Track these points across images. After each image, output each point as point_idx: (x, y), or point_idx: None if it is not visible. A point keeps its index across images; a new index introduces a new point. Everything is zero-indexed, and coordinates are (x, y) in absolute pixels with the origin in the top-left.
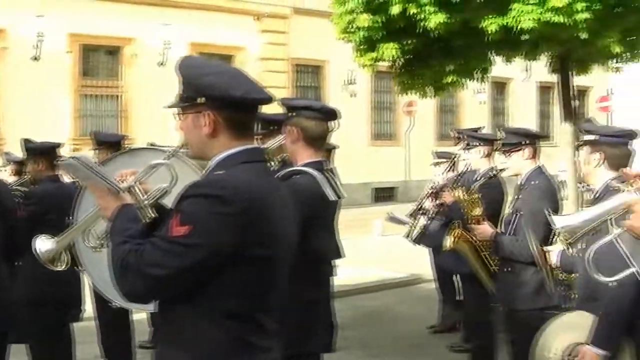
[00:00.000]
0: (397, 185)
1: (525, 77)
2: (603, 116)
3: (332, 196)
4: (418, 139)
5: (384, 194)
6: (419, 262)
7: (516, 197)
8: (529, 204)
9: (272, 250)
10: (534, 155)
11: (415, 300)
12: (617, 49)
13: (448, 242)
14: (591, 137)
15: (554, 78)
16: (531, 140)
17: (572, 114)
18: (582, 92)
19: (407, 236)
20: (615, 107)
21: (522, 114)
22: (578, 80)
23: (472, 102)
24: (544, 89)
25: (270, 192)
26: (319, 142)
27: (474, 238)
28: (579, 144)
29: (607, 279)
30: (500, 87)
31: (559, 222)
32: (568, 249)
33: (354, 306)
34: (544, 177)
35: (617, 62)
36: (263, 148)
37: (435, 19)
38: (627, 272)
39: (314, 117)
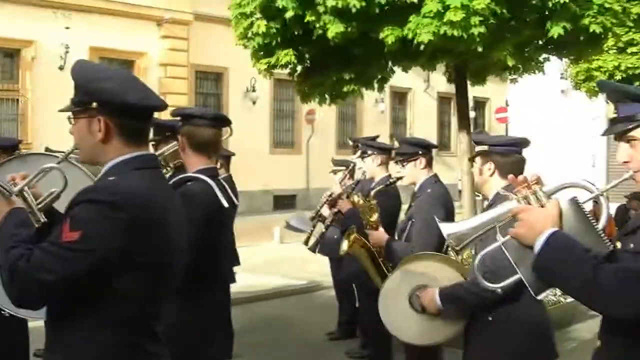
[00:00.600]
0: (297, 193)
1: (426, 88)
2: (501, 127)
3: (225, 203)
4: (318, 147)
5: (284, 202)
6: (318, 270)
7: (411, 205)
8: (423, 212)
9: (163, 257)
10: (429, 164)
11: (314, 307)
12: (511, 62)
13: (344, 246)
14: (482, 148)
15: (453, 89)
16: (426, 150)
17: (468, 124)
18: (481, 104)
19: (306, 244)
20: (512, 118)
21: (422, 123)
22: (477, 92)
23: (373, 112)
24: (444, 100)
25: (163, 198)
26: (210, 149)
27: (369, 244)
28: (473, 156)
29: (493, 286)
30: (400, 97)
31: (446, 229)
32: (456, 255)
33: (252, 313)
34: (438, 186)
35: (511, 74)
36: (156, 154)
37: (333, 29)
38: (512, 279)
39: (203, 125)
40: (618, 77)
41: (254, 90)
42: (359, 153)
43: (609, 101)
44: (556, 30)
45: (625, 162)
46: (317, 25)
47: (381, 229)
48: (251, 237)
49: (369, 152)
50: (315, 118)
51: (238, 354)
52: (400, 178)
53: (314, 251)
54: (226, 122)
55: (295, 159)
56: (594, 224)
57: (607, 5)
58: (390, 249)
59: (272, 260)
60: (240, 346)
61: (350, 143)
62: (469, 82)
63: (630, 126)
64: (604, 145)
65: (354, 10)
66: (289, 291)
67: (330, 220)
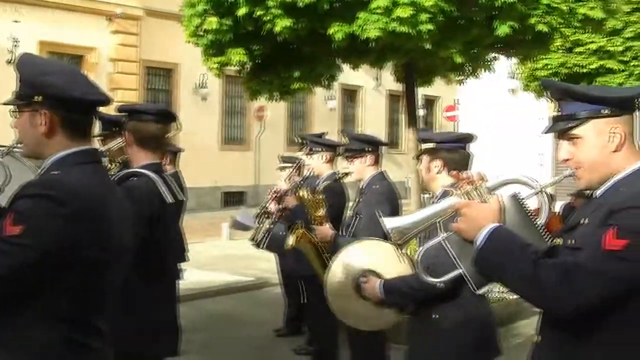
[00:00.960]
0: (246, 190)
1: (376, 86)
2: (451, 125)
3: (169, 198)
4: (268, 144)
5: (233, 198)
6: (266, 266)
7: (357, 200)
8: (369, 208)
9: (107, 253)
10: (377, 161)
11: (262, 303)
12: (459, 60)
13: (290, 240)
14: (429, 145)
15: (403, 87)
16: (374, 147)
17: (416, 122)
18: (431, 102)
19: (252, 240)
20: (461, 116)
21: (372, 121)
22: (427, 90)
23: (323, 109)
24: (394, 98)
25: (106, 193)
26: (154, 144)
27: (315, 239)
28: (418, 154)
29: (435, 280)
30: (351, 94)
31: (388, 223)
32: (398, 249)
33: (200, 309)
34: (385, 183)
35: (459, 75)
36: (99, 149)
37: (281, 23)
38: (454, 273)
39: (147, 120)
40: (564, 73)
41: (204, 87)
42: (306, 150)
43: (551, 99)
44: (503, 29)
45: (566, 159)
46: (266, 19)
47: (327, 224)
48: (200, 234)
49: (316, 148)
50: (265, 115)
51: (185, 350)
52: (347, 174)
53: (259, 247)
54: (171, 117)
55: (245, 156)
56: (535, 219)
57: (553, 5)
58: (336, 244)
59: (221, 256)
60: (187, 343)
61: (298, 140)
62: (416, 83)
63: (572, 124)
64: (551, 144)
65: (301, 4)
66: (237, 288)
67: (276, 216)
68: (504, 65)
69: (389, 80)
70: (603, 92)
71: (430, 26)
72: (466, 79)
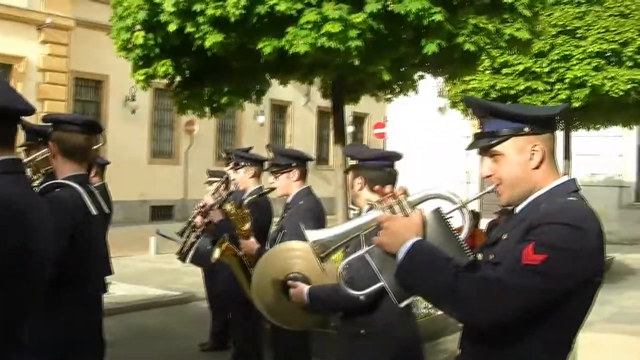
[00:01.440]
0: (174, 204)
1: (306, 102)
2: (379, 142)
3: (94, 210)
4: (197, 158)
5: (161, 212)
6: (193, 281)
7: (282, 215)
8: (294, 223)
9: (27, 263)
10: (303, 176)
11: (188, 318)
12: (386, 77)
13: (215, 254)
14: (353, 162)
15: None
16: (300, 162)
17: (344, 138)
18: (360, 119)
19: (179, 255)
20: (390, 133)
21: (302, 137)
22: (356, 107)
23: (253, 124)
24: (323, 114)
25: (29, 204)
26: (80, 156)
27: (240, 252)
28: (346, 170)
29: (356, 293)
30: (280, 110)
31: (311, 235)
32: (321, 262)
33: (126, 324)
34: (311, 198)
35: (387, 93)
36: (22, 159)
37: (211, 39)
38: (376, 286)
39: (73, 131)
40: (493, 95)
41: (133, 99)
42: (232, 164)
43: (474, 116)
44: (430, 48)
45: (487, 176)
46: (197, 35)
47: (252, 239)
48: (127, 248)
49: (242, 163)
50: (194, 129)
51: None
52: (273, 189)
53: (184, 261)
54: (97, 128)
55: (174, 170)
56: (457, 234)
57: (481, 26)
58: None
59: (148, 270)
60: (113, 357)
61: (224, 155)
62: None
63: (494, 141)
64: (478, 161)
65: (232, 19)
66: (164, 302)
67: (201, 230)
68: (432, 83)
69: (318, 96)
70: (524, 110)
71: (358, 42)
72: (394, 97)
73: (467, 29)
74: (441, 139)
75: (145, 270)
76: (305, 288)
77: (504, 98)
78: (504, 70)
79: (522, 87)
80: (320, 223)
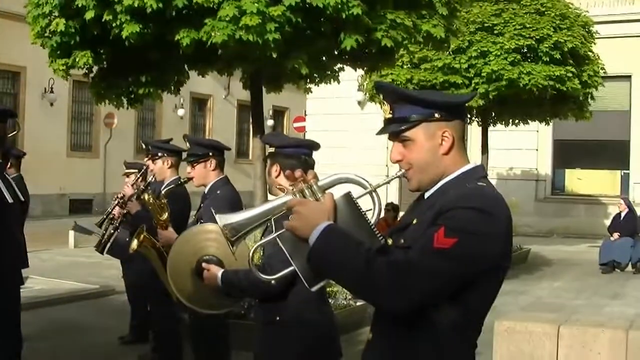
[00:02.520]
0: (93, 197)
1: (226, 95)
2: (300, 136)
3: (10, 198)
4: (117, 151)
5: (80, 206)
6: (112, 274)
7: (200, 205)
8: (210, 213)
9: None
10: (220, 166)
11: (107, 311)
12: (304, 71)
13: (133, 244)
14: (270, 150)
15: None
16: (217, 151)
17: (263, 130)
18: (280, 112)
19: (97, 247)
20: (310, 126)
21: (221, 130)
22: (276, 101)
23: (172, 117)
24: (243, 107)
25: None
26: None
27: (158, 243)
28: (264, 158)
29: (267, 277)
30: (200, 103)
31: (222, 220)
32: (232, 247)
33: (45, 317)
34: (228, 188)
35: (307, 83)
36: None
37: (129, 28)
38: (286, 270)
39: None
40: (410, 89)
41: (52, 92)
42: (149, 155)
43: (385, 102)
44: (349, 42)
45: (397, 160)
46: (114, 24)
47: (171, 229)
48: (46, 242)
49: (159, 154)
50: (114, 122)
51: (29, 358)
52: (190, 179)
53: (102, 252)
54: (9, 114)
55: (93, 163)
56: (367, 218)
57: (398, 21)
58: None
59: (67, 264)
60: (32, 351)
61: (144, 146)
62: (265, 90)
63: (404, 127)
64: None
65: (149, 10)
66: (83, 295)
67: (119, 222)
68: (352, 77)
69: (238, 89)
70: (435, 97)
71: (276, 35)
72: (314, 85)
73: (385, 23)
74: (361, 131)
75: (64, 264)
76: (219, 272)
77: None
78: (423, 66)
79: (440, 81)
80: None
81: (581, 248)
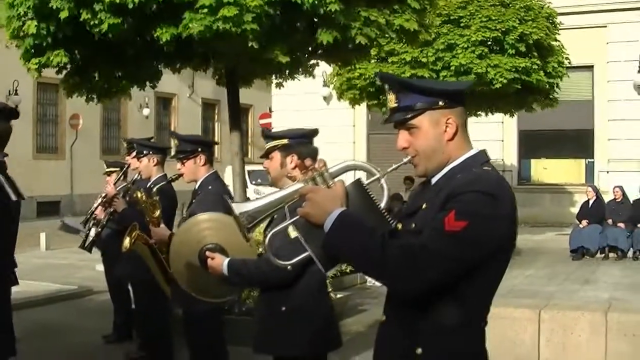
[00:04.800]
0: (61, 199)
1: (190, 94)
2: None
3: (14, 196)
4: (83, 152)
5: (47, 208)
6: (87, 275)
7: (191, 201)
8: (204, 208)
9: None
10: (209, 161)
11: (87, 311)
12: (283, 60)
13: (126, 242)
14: (282, 142)
15: (218, 95)
16: (206, 147)
17: (240, 126)
18: (244, 110)
19: (83, 246)
20: (276, 123)
21: (187, 129)
22: (240, 98)
23: (137, 117)
24: (208, 106)
25: None
26: (1, 143)
27: (150, 240)
28: (266, 152)
29: (284, 263)
30: (165, 102)
31: (237, 208)
32: (247, 233)
33: (25, 320)
34: (219, 183)
35: (281, 77)
36: None
37: (109, 22)
38: (302, 255)
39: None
40: (379, 83)
41: (16, 94)
42: (134, 153)
43: (390, 92)
44: (326, 37)
45: (404, 147)
46: (93, 22)
47: (163, 225)
48: (17, 244)
49: (145, 151)
50: (79, 123)
51: None
52: (180, 175)
53: (90, 251)
54: (16, 115)
55: (59, 165)
56: (378, 204)
57: (372, 18)
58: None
59: (40, 266)
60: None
61: (125, 144)
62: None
63: (410, 115)
64: (363, 151)
65: (130, 6)
66: (61, 297)
67: (105, 220)
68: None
69: (203, 88)
70: (438, 85)
71: (254, 26)
72: (287, 80)
73: (359, 21)
74: (327, 128)
75: (38, 266)
76: (225, 260)
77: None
78: (391, 59)
79: (408, 75)
80: (228, 207)
81: (549, 236)
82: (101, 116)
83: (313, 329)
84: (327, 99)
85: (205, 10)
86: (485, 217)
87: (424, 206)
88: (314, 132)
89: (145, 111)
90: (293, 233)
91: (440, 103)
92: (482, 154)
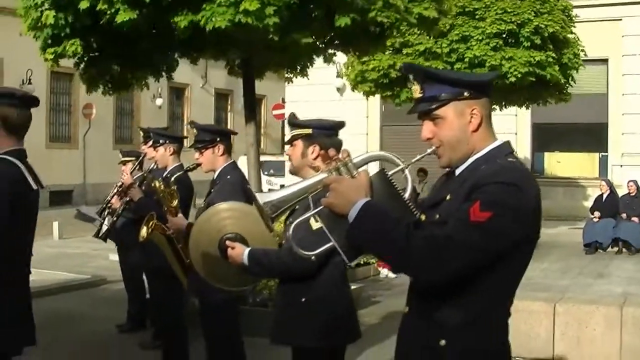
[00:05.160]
0: (73, 189)
1: (203, 84)
2: (279, 123)
3: (34, 185)
4: (96, 142)
5: (60, 198)
6: (101, 264)
7: (210, 191)
8: (222, 198)
9: None
10: (227, 151)
11: (102, 300)
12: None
13: (143, 232)
14: (306, 131)
15: (230, 85)
16: (224, 137)
17: (255, 117)
18: (258, 100)
19: (97, 235)
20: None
21: (200, 119)
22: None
23: (150, 107)
24: (221, 96)
25: None
26: (22, 131)
27: (168, 230)
28: (290, 140)
29: (308, 253)
30: (178, 92)
31: (262, 198)
32: (272, 223)
33: (39, 308)
34: (237, 173)
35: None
36: None
37: (123, 16)
38: (326, 246)
39: (16, 105)
40: (393, 75)
41: (30, 83)
42: (150, 143)
43: (415, 82)
44: (343, 20)
45: (428, 138)
46: (110, 12)
47: (180, 215)
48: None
49: (161, 141)
50: (92, 112)
51: (28, 350)
52: (198, 165)
53: (105, 240)
54: (37, 102)
55: (72, 154)
56: (402, 194)
57: (391, 2)
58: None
59: (53, 255)
60: None
61: (142, 133)
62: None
63: (435, 105)
64: (376, 142)
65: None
66: (75, 286)
67: (121, 209)
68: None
69: (216, 78)
70: (463, 76)
71: (276, 19)
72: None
73: (378, 4)
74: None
75: (51, 255)
76: (245, 250)
77: (404, 77)
78: (405, 50)
79: None
80: (248, 196)
81: (562, 230)
82: (114, 106)
83: (334, 320)
84: (340, 90)
85: (227, 3)
86: (510, 208)
87: (448, 197)
88: (340, 125)
89: (159, 101)
90: (316, 224)
91: (466, 94)
92: (507, 145)
